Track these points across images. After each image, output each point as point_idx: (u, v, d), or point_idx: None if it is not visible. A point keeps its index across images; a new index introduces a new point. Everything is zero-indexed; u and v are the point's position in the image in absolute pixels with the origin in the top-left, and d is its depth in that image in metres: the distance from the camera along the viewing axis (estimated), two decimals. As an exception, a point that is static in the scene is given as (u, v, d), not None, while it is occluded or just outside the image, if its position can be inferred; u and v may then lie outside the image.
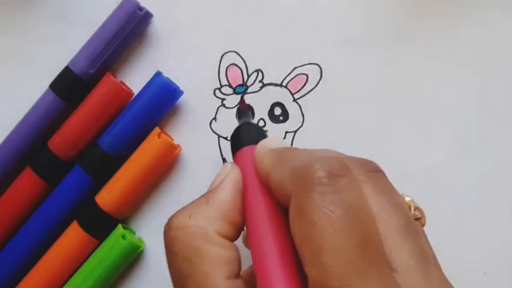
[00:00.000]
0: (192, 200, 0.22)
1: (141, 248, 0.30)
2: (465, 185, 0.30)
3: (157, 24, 0.31)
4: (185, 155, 0.30)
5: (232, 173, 0.22)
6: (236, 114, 0.30)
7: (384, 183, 0.19)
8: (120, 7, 0.29)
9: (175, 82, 0.29)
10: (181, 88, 0.30)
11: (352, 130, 0.30)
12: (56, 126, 0.30)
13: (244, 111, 0.29)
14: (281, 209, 0.21)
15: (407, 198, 0.21)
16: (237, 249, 0.21)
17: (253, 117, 0.31)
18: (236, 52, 0.31)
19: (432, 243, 0.30)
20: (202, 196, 0.22)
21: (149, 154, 0.29)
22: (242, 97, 0.30)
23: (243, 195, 0.22)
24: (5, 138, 0.30)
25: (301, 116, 0.30)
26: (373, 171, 0.19)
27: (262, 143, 0.23)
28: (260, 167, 0.22)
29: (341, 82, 0.30)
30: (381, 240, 0.17)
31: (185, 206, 0.22)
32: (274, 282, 0.19)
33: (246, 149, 0.24)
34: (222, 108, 0.31)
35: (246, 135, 0.25)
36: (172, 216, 0.22)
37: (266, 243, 0.20)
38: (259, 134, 0.25)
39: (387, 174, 0.30)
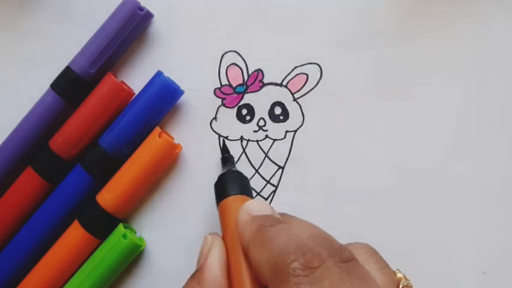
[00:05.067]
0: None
1: (142, 247, 0.30)
2: (465, 185, 0.30)
3: (158, 24, 0.31)
4: (185, 154, 0.31)
5: (215, 246, 0.23)
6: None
7: (359, 272, 0.20)
8: (121, 7, 0.29)
9: (175, 82, 0.29)
10: (181, 88, 0.30)
11: (352, 130, 0.30)
12: (57, 125, 0.30)
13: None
14: None
15: (399, 275, 0.21)
16: None
17: (253, 117, 0.31)
18: (236, 52, 0.31)
19: (432, 243, 0.30)
20: (192, 276, 0.23)
21: (149, 153, 0.29)
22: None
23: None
24: (6, 137, 0.30)
25: (301, 115, 0.31)
26: (347, 260, 0.20)
27: (244, 208, 0.23)
28: (241, 238, 0.23)
29: (341, 82, 0.30)
30: None
31: None
32: None
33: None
34: (222, 107, 0.31)
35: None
36: None
37: None
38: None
39: (387, 174, 0.30)
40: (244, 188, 0.26)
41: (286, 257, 0.19)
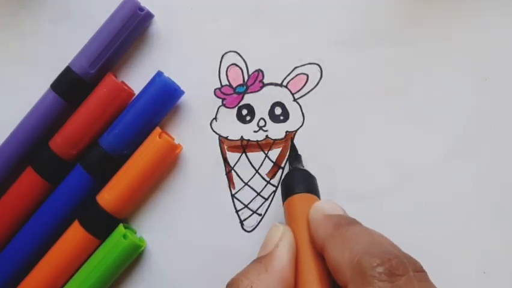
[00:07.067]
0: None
1: (142, 248, 0.30)
2: (465, 185, 0.30)
3: (158, 24, 0.31)
4: (186, 154, 0.31)
5: (286, 237, 0.23)
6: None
7: (430, 284, 0.20)
8: (121, 7, 0.29)
9: (175, 82, 0.29)
10: (181, 88, 0.30)
11: (352, 130, 0.30)
12: (57, 126, 0.30)
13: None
14: (331, 276, 0.22)
15: None
16: None
17: (254, 117, 0.31)
18: (236, 52, 0.31)
19: (432, 243, 0.30)
20: (259, 261, 0.23)
21: (150, 154, 0.29)
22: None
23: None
24: (7, 137, 0.30)
25: (301, 115, 0.31)
26: (420, 271, 0.20)
27: (317, 207, 0.24)
28: (315, 235, 0.23)
29: (341, 82, 0.30)
30: None
31: (244, 271, 0.22)
32: None
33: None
34: (223, 108, 0.31)
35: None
36: (232, 283, 0.22)
37: None
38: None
39: (387, 174, 0.30)
40: (312, 187, 0.26)
41: (372, 259, 0.19)
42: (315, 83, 0.31)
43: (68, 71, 0.29)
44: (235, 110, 0.31)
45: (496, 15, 0.30)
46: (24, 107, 0.30)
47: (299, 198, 0.25)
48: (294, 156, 0.29)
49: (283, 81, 0.31)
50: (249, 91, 0.31)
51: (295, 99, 0.31)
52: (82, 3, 0.31)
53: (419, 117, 0.30)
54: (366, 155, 0.30)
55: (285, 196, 0.26)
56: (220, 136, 0.31)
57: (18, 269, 0.30)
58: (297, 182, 0.26)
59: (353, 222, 0.22)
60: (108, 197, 0.29)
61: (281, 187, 0.27)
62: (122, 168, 0.29)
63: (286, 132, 0.31)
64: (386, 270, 0.18)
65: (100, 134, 0.29)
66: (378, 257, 0.19)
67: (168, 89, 0.29)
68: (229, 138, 0.31)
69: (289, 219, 0.25)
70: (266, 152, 0.30)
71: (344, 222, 0.22)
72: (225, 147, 0.31)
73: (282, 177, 0.27)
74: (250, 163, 0.30)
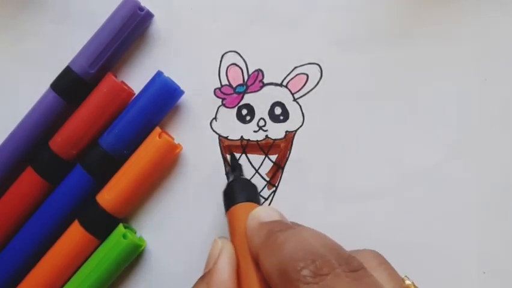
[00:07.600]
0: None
1: (142, 247, 0.30)
2: (465, 185, 0.30)
3: (158, 24, 0.31)
4: (185, 154, 0.31)
5: (225, 250, 0.23)
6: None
7: (368, 280, 0.19)
8: (121, 7, 0.29)
9: (175, 82, 0.30)
10: (181, 88, 0.30)
11: (352, 130, 0.30)
12: (57, 125, 0.30)
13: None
14: None
15: (407, 282, 0.21)
16: None
17: (253, 117, 0.31)
18: (236, 52, 0.31)
19: (432, 243, 0.30)
20: (201, 279, 0.23)
21: (150, 154, 0.29)
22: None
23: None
24: (6, 137, 0.30)
25: (301, 115, 0.31)
26: (356, 270, 0.19)
27: (253, 215, 0.24)
28: (250, 244, 0.23)
29: (341, 82, 0.30)
30: None
31: None
32: None
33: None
34: (223, 107, 0.31)
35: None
36: None
37: None
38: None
39: (387, 175, 0.30)
40: (252, 195, 0.26)
41: (296, 263, 0.19)
42: (315, 83, 0.31)
43: (68, 71, 0.29)
44: (235, 110, 0.31)
45: (496, 15, 0.30)
46: (24, 107, 0.30)
47: (240, 208, 0.25)
48: (234, 166, 0.29)
49: (283, 81, 0.31)
50: (248, 91, 0.31)
51: (295, 99, 0.31)
52: (82, 3, 0.31)
53: (419, 117, 0.30)
54: (366, 155, 0.30)
55: (227, 207, 0.26)
56: (220, 136, 0.31)
57: (18, 269, 0.30)
58: (237, 191, 0.26)
59: (285, 227, 0.22)
60: (108, 197, 0.29)
61: (223, 198, 0.27)
62: (122, 168, 0.29)
63: (286, 132, 0.31)
64: (311, 272, 0.18)
65: (100, 134, 0.29)
66: (303, 260, 0.19)
67: (168, 89, 0.29)
68: (229, 138, 0.31)
69: (231, 229, 0.25)
70: (266, 152, 0.30)
71: (277, 229, 0.22)
72: (225, 147, 0.31)
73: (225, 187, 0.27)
74: (250, 163, 0.30)
